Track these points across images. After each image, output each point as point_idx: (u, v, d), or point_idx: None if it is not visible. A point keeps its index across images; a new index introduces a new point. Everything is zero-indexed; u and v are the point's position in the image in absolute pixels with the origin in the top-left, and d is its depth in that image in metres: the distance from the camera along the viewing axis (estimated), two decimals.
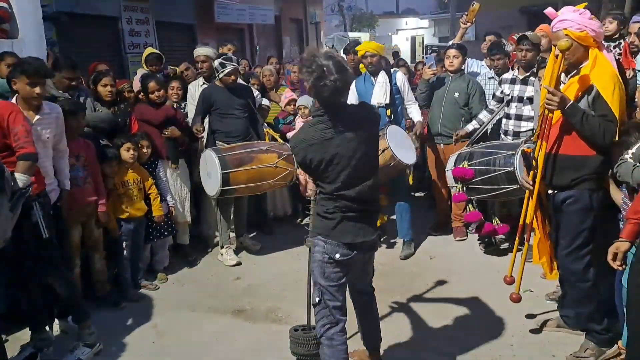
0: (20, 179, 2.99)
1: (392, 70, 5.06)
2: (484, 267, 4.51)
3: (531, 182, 3.16)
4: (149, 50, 6.09)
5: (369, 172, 2.64)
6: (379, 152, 4.45)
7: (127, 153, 4.13)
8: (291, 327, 3.21)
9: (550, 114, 2.96)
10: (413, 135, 5.00)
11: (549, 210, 3.17)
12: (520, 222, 3.39)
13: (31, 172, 3.08)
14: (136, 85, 5.02)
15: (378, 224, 4.88)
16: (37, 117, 3.29)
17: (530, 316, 3.60)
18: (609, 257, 2.56)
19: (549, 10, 3.03)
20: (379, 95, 4.76)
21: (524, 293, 3.75)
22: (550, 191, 3.11)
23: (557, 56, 2.91)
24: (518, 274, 3.42)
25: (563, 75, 3.03)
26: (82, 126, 3.89)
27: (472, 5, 5.37)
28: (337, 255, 2.62)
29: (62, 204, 3.56)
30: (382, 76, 4.80)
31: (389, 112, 4.78)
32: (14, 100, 3.30)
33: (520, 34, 4.59)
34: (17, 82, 3.24)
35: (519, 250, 3.51)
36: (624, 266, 2.54)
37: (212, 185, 4.46)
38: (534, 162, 3.12)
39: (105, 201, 3.96)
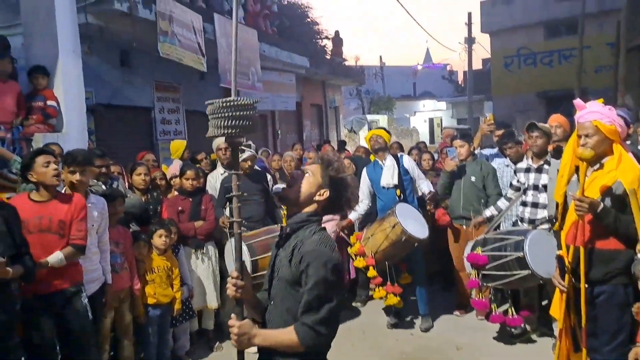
0: (55, 259, 3.16)
1: (399, 154, 5.52)
2: (512, 358, 4.40)
3: (564, 284, 3.08)
4: (182, 144, 6.30)
5: None
6: (390, 227, 4.61)
7: (159, 240, 4.26)
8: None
9: (580, 220, 2.94)
10: (427, 200, 5.39)
11: (584, 304, 3.01)
12: (561, 326, 3.20)
13: (70, 260, 3.25)
14: (171, 171, 5.31)
15: (390, 303, 4.74)
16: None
17: None
18: None
19: (578, 102, 3.08)
20: (387, 177, 5.19)
21: None
22: (586, 285, 2.99)
23: (580, 159, 2.92)
24: None
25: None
26: (121, 212, 4.05)
27: (487, 117, 6.22)
28: None
29: (105, 297, 3.71)
30: (390, 160, 5.26)
31: (398, 192, 5.17)
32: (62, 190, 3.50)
33: (529, 122, 4.69)
34: (62, 172, 3.44)
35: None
36: None
37: None
38: (566, 265, 3.05)
39: (139, 285, 4.06)
